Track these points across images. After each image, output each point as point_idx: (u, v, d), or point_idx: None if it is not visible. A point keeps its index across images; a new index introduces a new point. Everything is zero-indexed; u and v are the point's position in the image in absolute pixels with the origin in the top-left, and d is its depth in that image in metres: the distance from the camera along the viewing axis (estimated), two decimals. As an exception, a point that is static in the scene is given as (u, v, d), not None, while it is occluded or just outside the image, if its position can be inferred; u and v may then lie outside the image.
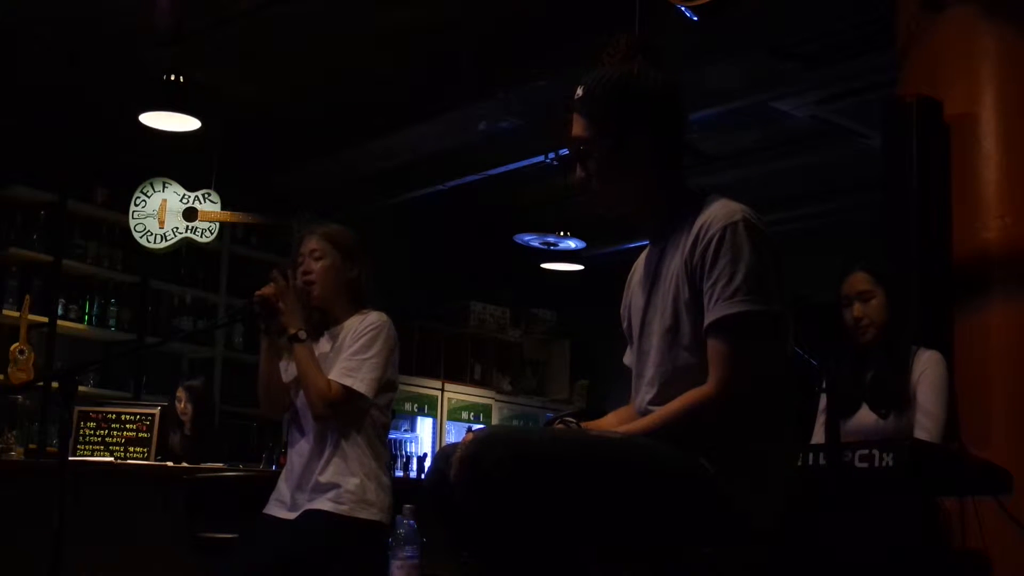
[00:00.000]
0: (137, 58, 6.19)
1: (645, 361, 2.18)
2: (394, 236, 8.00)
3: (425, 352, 9.08)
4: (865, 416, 3.39)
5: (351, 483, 3.07)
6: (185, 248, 7.03)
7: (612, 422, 2.28)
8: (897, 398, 3.35)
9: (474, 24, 6.03)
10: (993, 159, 3.96)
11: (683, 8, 3.91)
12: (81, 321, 7.27)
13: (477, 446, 1.89)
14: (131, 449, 4.83)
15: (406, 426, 9.06)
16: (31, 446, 5.46)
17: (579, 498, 1.92)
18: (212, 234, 6.67)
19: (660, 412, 2.07)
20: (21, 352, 6.40)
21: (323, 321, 3.27)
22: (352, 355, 3.12)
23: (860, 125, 6.70)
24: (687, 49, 5.26)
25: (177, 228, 6.58)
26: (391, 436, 7.64)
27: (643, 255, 2.29)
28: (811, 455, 2.86)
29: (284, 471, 3.24)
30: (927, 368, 3.37)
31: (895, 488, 2.83)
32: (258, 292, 3.16)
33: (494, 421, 9.44)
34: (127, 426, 4.87)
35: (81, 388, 6.62)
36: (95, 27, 6.09)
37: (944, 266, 3.93)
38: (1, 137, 6.80)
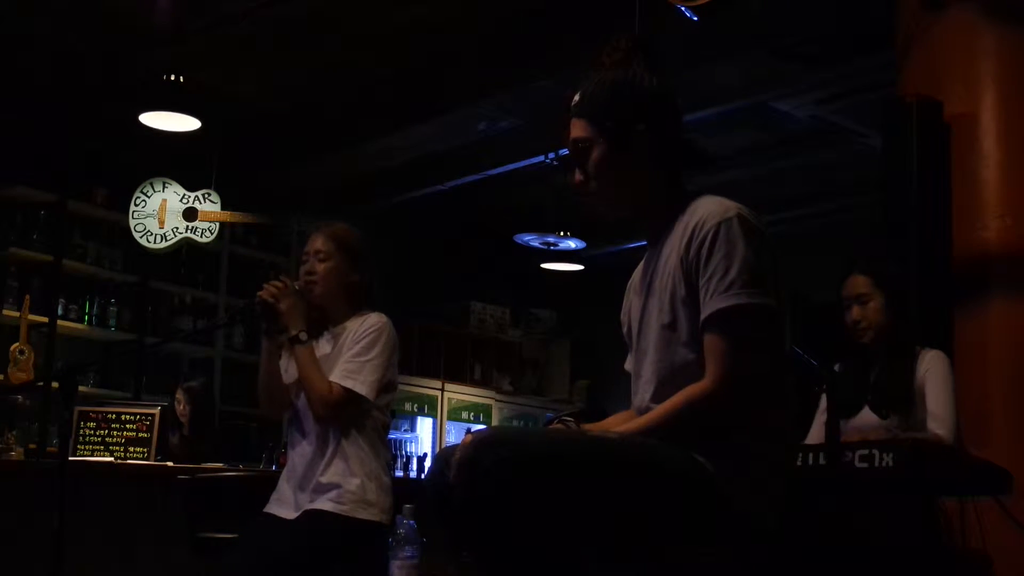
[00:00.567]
0: (137, 58, 6.19)
1: (643, 360, 2.18)
2: (394, 236, 8.00)
3: (425, 352, 9.08)
4: (868, 416, 3.38)
5: (352, 483, 3.07)
6: (185, 248, 7.03)
7: (612, 425, 2.28)
8: (900, 399, 3.34)
9: (474, 24, 6.03)
10: (993, 159, 3.96)
11: (683, 8, 3.91)
12: (81, 321, 7.27)
13: (476, 448, 1.89)
14: (131, 449, 4.83)
15: (406, 426, 9.06)
16: (31, 446, 5.46)
17: (578, 499, 1.92)
18: (212, 234, 6.67)
19: (658, 410, 2.07)
20: (21, 352, 6.40)
21: (322, 321, 3.27)
22: (353, 357, 3.12)
23: (860, 125, 6.70)
24: (687, 49, 5.26)
25: (177, 228, 6.58)
26: (391, 436, 7.65)
27: (642, 261, 2.30)
28: (811, 455, 2.86)
29: (285, 471, 3.24)
30: (931, 368, 3.36)
31: (895, 488, 2.83)
32: (259, 293, 3.16)
33: (494, 421, 9.44)
34: (127, 426, 4.86)
35: (81, 388, 6.62)
36: (95, 27, 6.10)
37: (944, 266, 3.93)
38: (1, 137, 6.80)
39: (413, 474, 7.83)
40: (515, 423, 9.50)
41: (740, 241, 2.03)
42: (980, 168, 3.97)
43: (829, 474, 2.79)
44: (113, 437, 4.85)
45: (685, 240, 2.08)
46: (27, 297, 6.54)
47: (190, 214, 6.60)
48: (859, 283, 3.46)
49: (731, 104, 6.28)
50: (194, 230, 6.60)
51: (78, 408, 4.88)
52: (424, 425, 9.21)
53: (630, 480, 1.96)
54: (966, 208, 3.96)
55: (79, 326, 7.25)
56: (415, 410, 9.04)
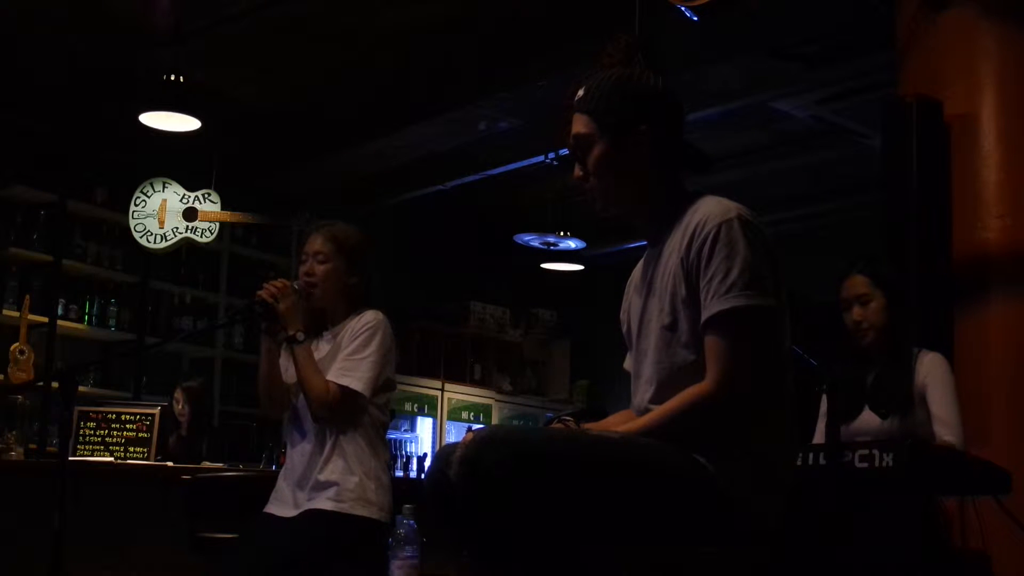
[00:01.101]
0: (137, 58, 6.19)
1: (643, 360, 2.18)
2: (394, 236, 8.00)
3: (425, 352, 9.08)
4: (869, 418, 3.38)
5: (351, 482, 3.07)
6: (185, 248, 7.03)
7: (612, 425, 2.28)
8: (900, 400, 3.34)
9: (474, 24, 6.03)
10: (993, 159, 3.96)
11: (683, 8, 3.92)
12: (81, 321, 7.27)
13: (477, 446, 1.89)
14: (131, 449, 4.83)
15: (406, 426, 9.06)
16: (31, 446, 5.46)
17: (579, 498, 1.92)
18: (212, 234, 6.67)
19: (659, 410, 2.07)
20: (21, 352, 6.40)
21: (321, 321, 3.27)
22: (349, 355, 3.12)
23: (860, 125, 6.70)
24: (687, 49, 5.26)
25: (177, 228, 6.59)
26: (391, 436, 7.66)
27: (641, 260, 2.30)
28: (811, 455, 2.86)
29: (284, 470, 3.24)
30: (932, 372, 3.36)
31: (895, 488, 2.83)
32: (259, 292, 3.16)
33: (494, 421, 9.43)
34: (127, 426, 4.87)
35: (81, 388, 6.63)
36: (95, 27, 6.10)
37: (944, 266, 3.93)
38: (1, 137, 6.80)
39: (413, 474, 7.84)
40: (515, 423, 9.50)
41: (741, 242, 2.03)
42: (980, 168, 3.97)
43: (829, 474, 2.79)
44: (113, 437, 4.85)
45: (686, 241, 2.08)
46: (27, 297, 6.54)
47: (190, 214, 6.60)
48: (858, 283, 3.46)
49: (731, 104, 6.28)
50: (194, 230, 6.60)
51: (78, 408, 4.89)
52: (424, 425, 9.21)
53: (631, 480, 1.96)
54: (966, 208, 3.96)
55: (79, 326, 7.25)
56: (415, 410, 9.04)
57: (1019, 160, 3.96)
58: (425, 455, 8.37)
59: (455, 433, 9.10)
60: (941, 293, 3.91)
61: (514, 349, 9.92)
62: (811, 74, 5.93)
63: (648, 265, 2.23)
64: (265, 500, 3.23)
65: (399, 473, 7.58)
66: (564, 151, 6.05)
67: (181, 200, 6.60)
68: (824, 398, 3.42)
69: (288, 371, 3.21)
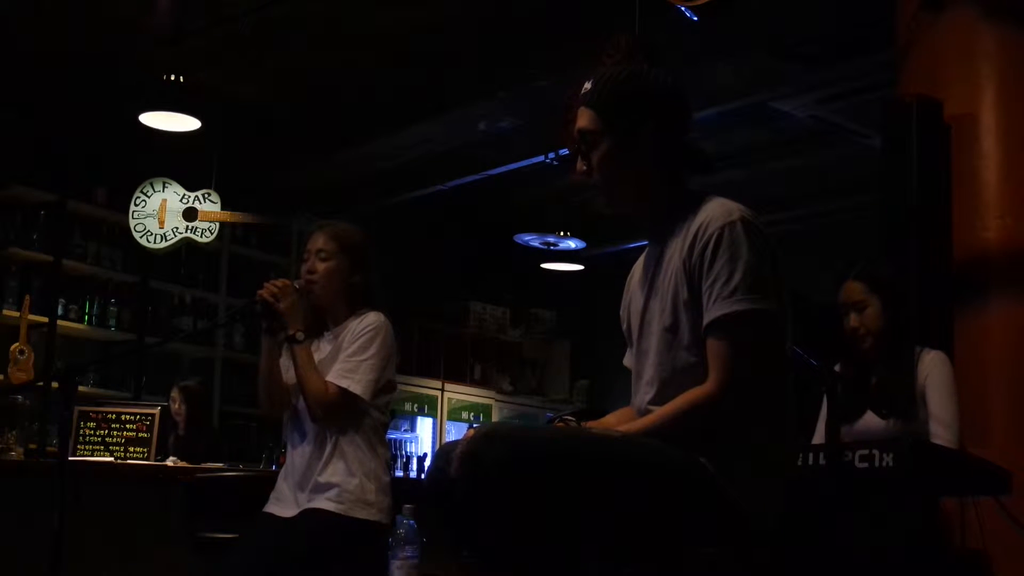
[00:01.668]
0: (137, 58, 6.19)
1: (644, 361, 2.18)
2: (394, 236, 8.00)
3: (425, 352, 9.08)
4: (871, 420, 3.37)
5: (351, 483, 3.07)
6: (185, 248, 7.03)
7: (612, 422, 2.28)
8: (903, 402, 3.33)
9: (474, 24, 6.03)
10: (993, 159, 3.96)
11: (683, 8, 3.92)
12: (81, 321, 7.27)
13: (478, 442, 1.89)
14: (131, 449, 4.83)
15: (406, 426, 9.07)
16: (31, 446, 5.45)
17: (579, 496, 1.92)
18: (212, 234, 6.67)
19: (660, 411, 2.07)
20: (21, 352, 6.40)
21: (322, 321, 3.26)
22: (349, 356, 3.11)
23: (860, 125, 6.70)
24: (687, 49, 5.26)
25: (177, 228, 6.58)
26: (391, 436, 7.66)
27: (642, 256, 2.30)
28: (811, 455, 2.86)
29: (284, 470, 3.24)
30: (932, 370, 3.35)
31: (895, 488, 2.83)
32: (259, 292, 3.15)
33: (494, 421, 9.44)
34: (127, 426, 4.86)
35: (81, 388, 6.62)
36: (95, 27, 6.10)
37: (944, 266, 3.93)
38: (1, 137, 6.80)
39: (413, 474, 7.84)
40: (515, 423, 9.50)
41: (743, 246, 2.02)
42: (980, 168, 3.97)
43: (829, 474, 2.79)
44: (113, 437, 4.85)
45: (688, 243, 2.08)
46: (27, 297, 6.53)
47: (190, 214, 6.60)
48: (854, 290, 3.45)
49: (731, 104, 6.28)
50: (194, 230, 6.60)
51: (78, 408, 4.89)
52: (424, 425, 9.21)
53: (631, 479, 1.96)
54: (966, 208, 3.95)
55: (79, 326, 7.25)
56: (415, 410, 9.05)
57: (1019, 160, 3.96)
58: (425, 455, 8.37)
59: (455, 433, 9.10)
60: (941, 293, 3.91)
61: (514, 349, 9.92)
62: (811, 74, 5.93)
63: (649, 263, 2.22)
64: (265, 500, 3.22)
65: (399, 473, 7.58)
66: (564, 151, 6.06)
67: (181, 200, 6.60)
68: (825, 398, 3.42)
69: (289, 371, 3.21)
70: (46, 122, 6.98)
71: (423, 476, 7.29)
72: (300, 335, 3.10)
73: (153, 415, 4.91)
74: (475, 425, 8.77)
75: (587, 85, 2.20)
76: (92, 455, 4.76)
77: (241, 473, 4.64)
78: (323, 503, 3.06)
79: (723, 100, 6.18)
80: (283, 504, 3.15)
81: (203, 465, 4.88)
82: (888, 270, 3.63)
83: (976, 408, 3.68)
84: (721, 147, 7.11)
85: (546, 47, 5.93)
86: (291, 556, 3.01)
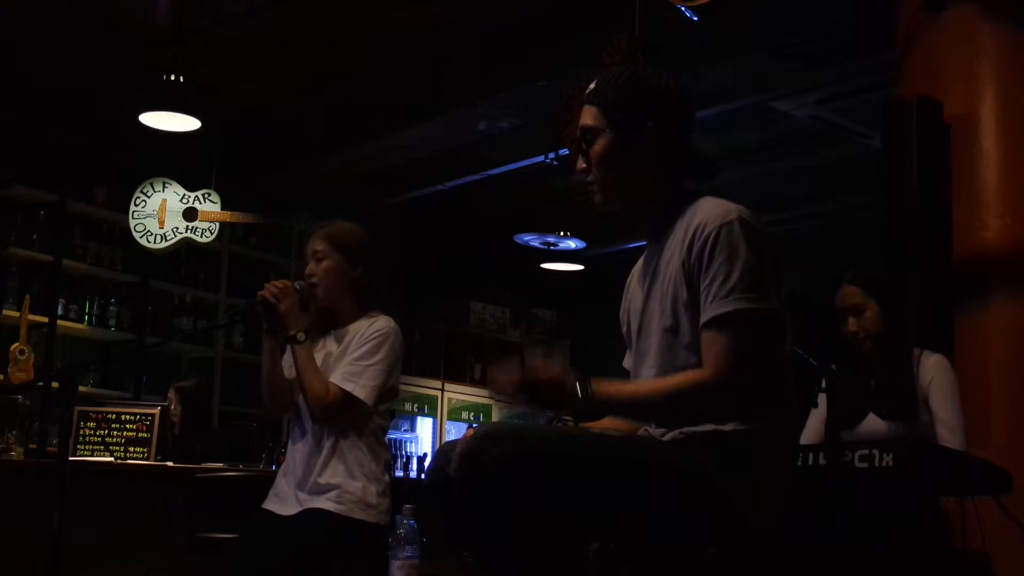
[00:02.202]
0: (137, 58, 6.19)
1: (643, 362, 2.18)
2: (394, 236, 8.00)
3: (425, 352, 9.08)
4: (873, 423, 3.37)
5: (352, 486, 3.06)
6: (185, 248, 7.02)
7: (610, 424, 2.28)
8: (903, 404, 3.33)
9: (474, 24, 6.03)
10: (993, 159, 3.96)
11: (683, 8, 3.92)
12: (81, 321, 7.27)
13: (478, 442, 1.89)
14: (131, 449, 4.82)
15: (406, 426, 9.07)
16: (31, 446, 5.44)
17: (579, 496, 1.92)
18: (212, 234, 6.67)
19: (654, 383, 2.07)
20: (21, 352, 6.40)
21: (330, 321, 3.27)
22: (355, 360, 3.11)
23: (860, 125, 6.70)
24: (687, 49, 5.26)
25: (177, 228, 6.58)
26: (391, 436, 7.65)
27: (642, 257, 2.30)
28: (811, 455, 2.86)
29: (284, 467, 3.24)
30: (936, 375, 3.35)
31: (895, 488, 2.83)
32: (260, 292, 3.16)
33: (494, 421, 9.44)
34: (127, 426, 4.86)
35: (81, 388, 6.63)
36: (95, 27, 6.10)
37: (944, 266, 3.93)
38: (1, 137, 6.80)
39: (413, 474, 7.84)
40: (515, 423, 9.49)
41: (741, 245, 2.02)
42: (980, 168, 3.96)
43: (829, 474, 2.79)
44: (113, 437, 4.85)
45: (687, 243, 2.08)
46: (27, 297, 6.53)
47: (190, 214, 6.59)
48: (851, 294, 3.45)
49: (731, 104, 6.27)
50: (194, 230, 6.60)
51: (78, 408, 4.88)
52: (424, 425, 9.21)
53: (630, 478, 1.96)
54: (966, 208, 3.95)
55: (79, 326, 7.25)
56: (415, 410, 9.05)
57: (1019, 160, 3.96)
58: (425, 455, 8.37)
59: (455, 433, 9.10)
60: (941, 293, 3.90)
61: (514, 349, 9.92)
62: (811, 74, 5.92)
63: (648, 265, 2.22)
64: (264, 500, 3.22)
65: (399, 473, 7.58)
66: (564, 151, 6.05)
67: (181, 200, 6.60)
68: (820, 397, 3.42)
69: (291, 368, 3.21)
70: (46, 122, 6.97)
71: (423, 476, 7.29)
72: (301, 335, 3.10)
73: (153, 415, 4.91)
74: (475, 425, 8.79)
75: (590, 85, 2.21)
76: (92, 455, 4.76)
77: (241, 473, 4.64)
78: (323, 503, 3.06)
79: (723, 100, 6.17)
80: (283, 502, 3.15)
81: (203, 465, 4.87)
82: (882, 272, 3.63)
83: (976, 408, 3.68)
84: (721, 147, 7.11)
85: (546, 47, 5.93)
86: (291, 556, 3.01)
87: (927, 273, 3.88)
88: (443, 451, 1.98)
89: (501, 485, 1.86)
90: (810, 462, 2.84)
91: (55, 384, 6.11)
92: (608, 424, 2.30)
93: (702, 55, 5.55)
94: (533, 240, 7.74)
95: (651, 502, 1.97)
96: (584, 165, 2.20)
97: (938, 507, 3.24)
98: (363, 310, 3.24)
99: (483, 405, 9.57)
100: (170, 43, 5.73)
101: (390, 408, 3.27)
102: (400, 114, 6.92)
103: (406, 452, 8.42)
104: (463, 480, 1.88)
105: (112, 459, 4.67)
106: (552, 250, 7.87)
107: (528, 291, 9.65)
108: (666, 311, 2.12)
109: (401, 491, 3.26)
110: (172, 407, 6.08)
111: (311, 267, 3.23)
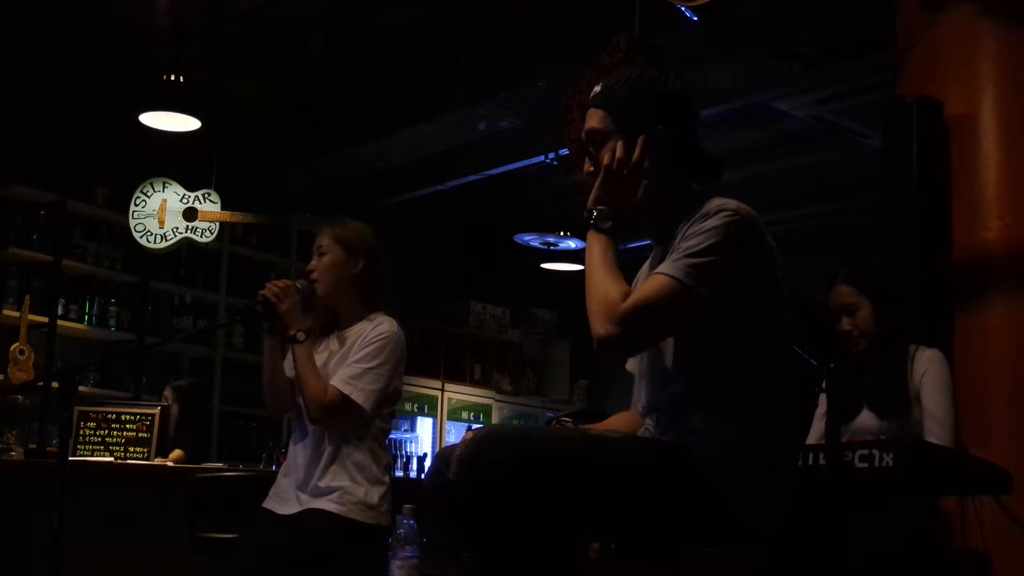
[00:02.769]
0: (137, 58, 6.19)
1: (645, 362, 2.18)
2: (394, 236, 7.99)
3: (425, 352, 9.09)
4: (867, 418, 3.37)
5: (354, 488, 3.06)
6: (185, 248, 7.03)
7: (613, 426, 2.28)
8: (898, 401, 3.34)
9: (474, 24, 6.03)
10: (993, 159, 3.96)
11: (683, 8, 3.91)
12: (81, 321, 7.27)
13: (477, 445, 1.89)
14: (131, 449, 4.83)
15: (406, 426, 9.07)
16: (31, 446, 5.46)
17: (579, 498, 1.92)
18: (212, 234, 6.67)
19: (611, 275, 2.04)
20: (21, 352, 6.40)
21: (334, 321, 3.26)
22: (356, 362, 3.10)
23: (860, 125, 6.70)
24: (687, 49, 5.26)
25: (177, 228, 6.58)
26: (391, 436, 7.66)
27: (648, 259, 2.29)
28: (811, 455, 2.86)
29: (285, 466, 3.23)
30: (929, 369, 3.35)
31: (895, 488, 2.83)
32: (261, 292, 3.15)
33: (494, 421, 9.44)
34: (127, 426, 4.87)
35: (81, 388, 6.62)
36: (95, 27, 6.10)
37: (944, 266, 3.93)
38: (1, 137, 6.80)
39: (413, 474, 7.84)
40: (515, 423, 9.50)
41: (719, 231, 2.00)
42: (980, 168, 3.96)
43: (829, 474, 2.78)
44: (113, 437, 4.85)
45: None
46: (27, 297, 6.54)
47: (190, 214, 6.60)
48: (844, 293, 3.45)
49: (731, 104, 6.28)
50: (194, 230, 6.60)
51: (78, 408, 4.89)
52: (424, 425, 9.21)
53: (631, 479, 1.96)
54: (966, 208, 3.95)
55: (79, 326, 7.25)
56: (415, 410, 9.05)
57: (1019, 160, 3.96)
58: (425, 455, 8.37)
59: (455, 433, 9.10)
60: (941, 293, 3.90)
61: (514, 349, 9.92)
62: (811, 74, 5.92)
63: (654, 265, 2.22)
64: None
65: (399, 473, 7.58)
66: (564, 151, 6.06)
67: (181, 200, 6.60)
68: (822, 398, 3.42)
69: (292, 369, 3.21)
70: (46, 122, 6.97)
71: (423, 476, 7.29)
72: (301, 336, 3.10)
73: (153, 415, 4.91)
74: (475, 425, 8.80)
75: (596, 88, 2.21)
76: (92, 455, 4.76)
77: (241, 473, 4.64)
78: (325, 504, 3.06)
79: (723, 100, 6.18)
80: (283, 502, 3.15)
81: (203, 465, 4.88)
82: (876, 271, 3.63)
83: (976, 408, 3.68)
84: (721, 147, 7.11)
85: (546, 47, 5.93)
86: (291, 555, 3.01)
87: (927, 273, 3.88)
88: (443, 455, 1.98)
89: (500, 487, 1.86)
90: (810, 462, 2.84)
91: (55, 384, 6.12)
92: (608, 424, 2.30)
93: (702, 55, 5.55)
94: (533, 240, 7.74)
95: (651, 502, 1.97)
96: (592, 168, 2.20)
97: (938, 507, 3.24)
98: (366, 310, 3.23)
99: (483, 405, 9.57)
100: (170, 43, 5.74)
101: (393, 412, 3.26)
102: (400, 114, 6.92)
103: (406, 452, 8.42)
104: (463, 483, 1.88)
105: (112, 459, 4.68)
106: (552, 250, 7.87)
107: (528, 291, 9.65)
108: (667, 309, 2.11)
109: (401, 491, 3.25)
110: (169, 406, 6.08)
111: (313, 262, 3.24)
